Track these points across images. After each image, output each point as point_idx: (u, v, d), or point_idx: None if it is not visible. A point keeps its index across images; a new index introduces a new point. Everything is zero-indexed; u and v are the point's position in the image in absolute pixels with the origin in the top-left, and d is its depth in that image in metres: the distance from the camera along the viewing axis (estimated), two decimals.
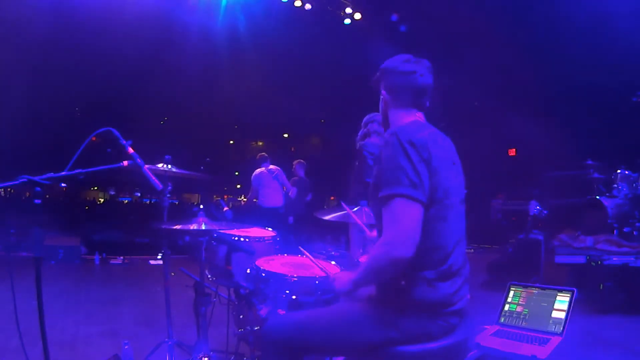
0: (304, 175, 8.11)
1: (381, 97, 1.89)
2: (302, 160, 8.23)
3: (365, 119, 3.80)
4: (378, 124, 3.68)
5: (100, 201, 27.65)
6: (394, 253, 1.50)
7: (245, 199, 7.88)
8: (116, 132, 2.07)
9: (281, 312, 2.29)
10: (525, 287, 3.14)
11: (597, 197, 5.69)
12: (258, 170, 7.49)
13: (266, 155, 7.58)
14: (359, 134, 3.84)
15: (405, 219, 1.52)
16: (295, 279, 2.36)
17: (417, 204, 1.54)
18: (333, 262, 2.67)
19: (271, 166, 7.49)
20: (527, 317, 2.97)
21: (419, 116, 1.83)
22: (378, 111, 1.96)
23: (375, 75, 1.91)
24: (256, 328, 2.41)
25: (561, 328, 2.82)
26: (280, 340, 1.71)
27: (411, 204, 1.53)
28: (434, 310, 1.61)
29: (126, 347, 2.88)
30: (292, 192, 7.60)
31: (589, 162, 6.08)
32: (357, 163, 3.80)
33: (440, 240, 1.62)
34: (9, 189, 13.24)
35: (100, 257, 7.78)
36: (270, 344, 1.72)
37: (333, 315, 1.77)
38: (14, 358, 3.09)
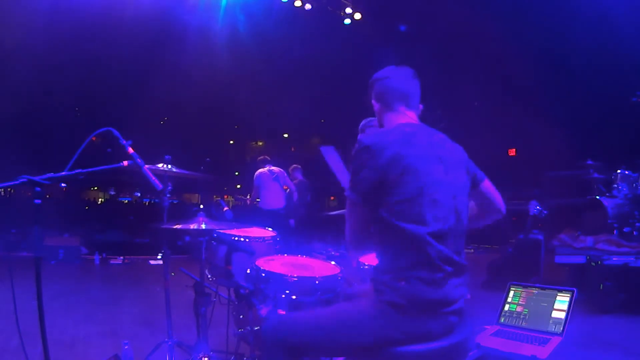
0: (302, 178, 8.13)
1: (374, 109, 1.96)
2: (296, 165, 8.25)
3: (361, 124, 3.78)
4: (375, 129, 3.67)
5: (100, 201, 27.66)
6: (349, 250, 1.71)
7: (249, 197, 7.90)
8: (116, 132, 2.07)
9: (281, 312, 2.29)
10: (525, 287, 3.14)
11: (597, 197, 5.69)
12: (259, 170, 7.47)
13: (268, 158, 7.56)
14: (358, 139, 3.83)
15: (349, 221, 1.74)
16: (295, 279, 2.36)
17: (358, 204, 1.69)
18: (333, 262, 2.67)
19: (273, 167, 7.47)
20: (527, 317, 2.97)
21: (410, 115, 1.87)
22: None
23: (368, 92, 2.00)
24: (256, 328, 2.41)
25: (561, 328, 2.82)
26: (280, 339, 1.71)
27: (352, 204, 1.72)
28: (433, 310, 1.61)
29: (126, 347, 2.88)
30: (295, 195, 7.61)
31: (589, 162, 6.08)
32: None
33: (429, 238, 1.61)
34: (9, 189, 13.24)
35: (100, 257, 7.78)
36: (270, 343, 1.73)
37: (333, 315, 1.77)
38: (14, 358, 3.09)
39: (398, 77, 1.91)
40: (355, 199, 1.68)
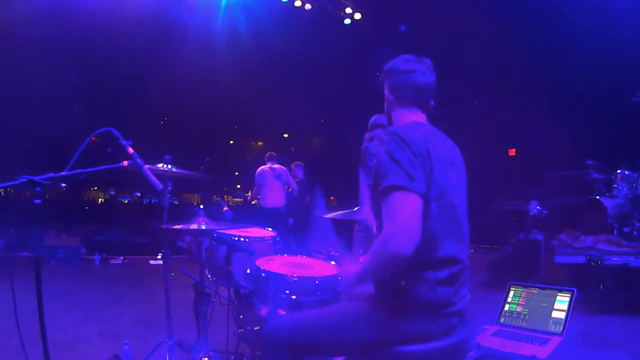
0: (303, 177, 8.12)
1: (385, 97, 1.90)
2: (299, 162, 8.23)
3: (371, 120, 3.78)
4: (384, 129, 3.67)
5: (100, 201, 27.63)
6: (394, 249, 1.48)
7: (250, 194, 7.90)
8: (116, 132, 2.07)
9: (281, 312, 2.29)
10: (525, 287, 3.14)
11: (597, 197, 5.68)
12: (261, 168, 7.44)
13: (274, 154, 7.53)
14: (366, 136, 3.83)
15: (404, 212, 1.51)
16: (295, 279, 2.36)
17: (415, 195, 1.54)
18: (333, 262, 2.67)
19: (275, 165, 7.44)
20: (527, 317, 2.97)
21: (420, 116, 1.85)
22: (381, 111, 1.97)
23: (379, 77, 1.92)
24: (256, 328, 2.41)
25: (561, 328, 2.82)
26: (281, 339, 1.71)
27: (408, 195, 1.53)
28: (434, 311, 1.61)
29: (126, 347, 2.88)
30: (295, 192, 7.59)
31: (589, 162, 6.07)
32: (360, 166, 3.81)
33: (439, 239, 1.61)
34: (9, 189, 13.23)
35: (100, 257, 7.78)
36: (271, 344, 1.73)
37: (334, 315, 1.77)
38: (14, 358, 3.09)
39: (417, 71, 1.79)
40: (412, 188, 1.53)
